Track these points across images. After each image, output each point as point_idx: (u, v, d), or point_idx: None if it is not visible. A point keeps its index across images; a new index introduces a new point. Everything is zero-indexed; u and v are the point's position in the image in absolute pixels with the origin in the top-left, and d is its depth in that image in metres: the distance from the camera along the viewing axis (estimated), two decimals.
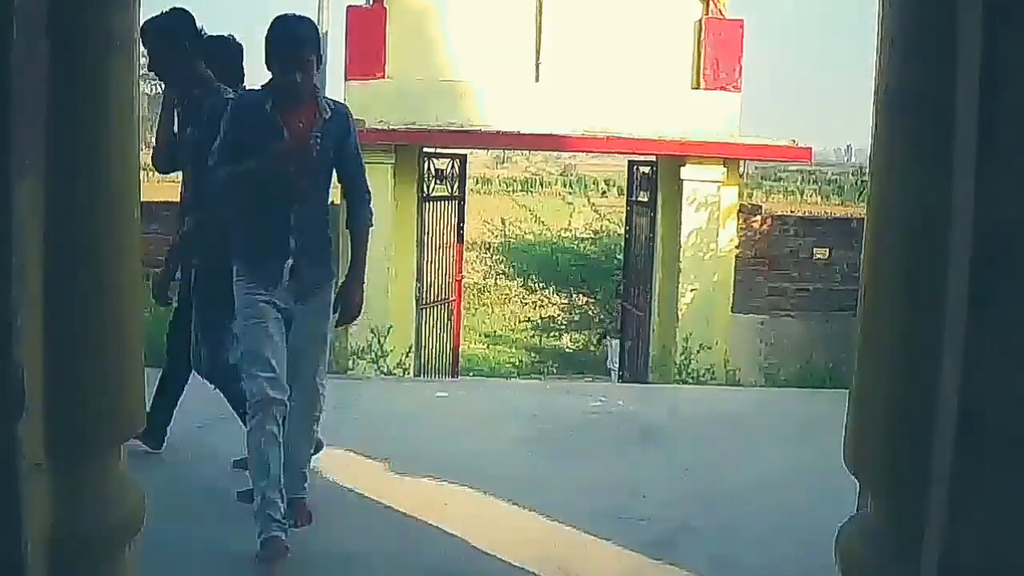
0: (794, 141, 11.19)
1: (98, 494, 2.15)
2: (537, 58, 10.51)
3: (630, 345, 12.00)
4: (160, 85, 5.08)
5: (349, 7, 10.45)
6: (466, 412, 6.80)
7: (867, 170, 2.39)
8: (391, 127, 9.90)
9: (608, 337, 14.29)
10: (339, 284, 4.25)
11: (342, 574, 3.99)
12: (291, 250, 4.03)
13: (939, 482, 1.83)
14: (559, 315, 19.89)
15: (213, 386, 4.75)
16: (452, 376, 11.73)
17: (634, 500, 4.88)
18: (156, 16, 4.64)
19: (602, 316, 17.20)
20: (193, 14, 4.72)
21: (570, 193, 29.82)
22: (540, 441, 6.00)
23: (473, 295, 21.59)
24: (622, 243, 13.33)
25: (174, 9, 4.72)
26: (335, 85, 11.21)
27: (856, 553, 2.18)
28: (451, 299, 11.84)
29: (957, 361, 1.78)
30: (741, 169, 11.17)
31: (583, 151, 16.89)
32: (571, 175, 44.29)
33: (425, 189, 11.07)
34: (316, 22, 4.29)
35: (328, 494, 4.60)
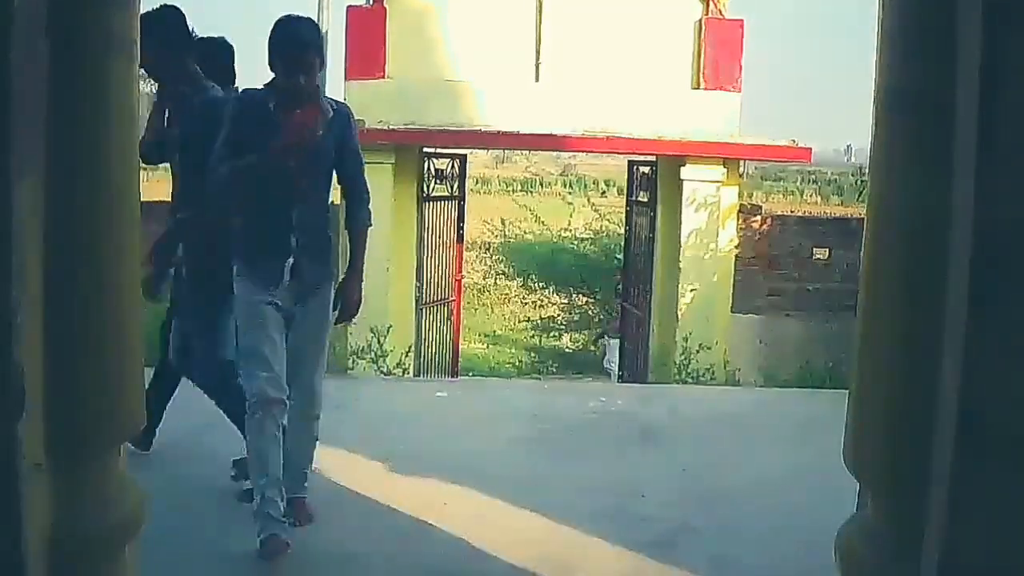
0: (794, 141, 11.19)
1: (98, 494, 2.15)
2: (537, 58, 10.51)
3: (630, 345, 12.01)
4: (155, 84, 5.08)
5: (349, 7, 10.46)
6: (466, 412, 6.80)
7: (867, 170, 2.39)
8: (391, 127, 9.90)
9: (606, 336, 14.28)
10: (338, 282, 4.26)
11: (342, 574, 3.99)
12: (292, 249, 4.03)
13: (939, 482, 1.83)
14: (559, 315, 19.89)
15: (206, 393, 4.73)
16: (452, 376, 11.73)
17: (634, 500, 4.88)
18: (147, 12, 4.63)
19: (602, 316, 17.20)
20: (183, 12, 4.72)
21: (570, 193, 29.81)
22: (540, 441, 5.99)
23: (473, 295, 21.58)
24: (622, 243, 13.33)
25: (164, 6, 4.71)
26: (335, 85, 11.21)
27: (856, 553, 2.18)
28: (451, 299, 11.85)
29: (957, 361, 1.78)
30: (741, 169, 11.17)
31: (583, 151, 16.88)
32: (571, 175, 44.29)
33: (425, 189, 11.07)
34: (317, 22, 4.29)
35: (328, 494, 4.60)
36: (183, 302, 4.67)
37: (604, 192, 31.33)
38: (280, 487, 4.04)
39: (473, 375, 14.40)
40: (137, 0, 2.24)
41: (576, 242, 19.64)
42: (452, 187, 11.53)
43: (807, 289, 10.42)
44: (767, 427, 6.52)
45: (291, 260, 4.03)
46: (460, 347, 12.75)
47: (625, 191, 13.37)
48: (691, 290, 10.31)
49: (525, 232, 20.74)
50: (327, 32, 10.44)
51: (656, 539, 4.34)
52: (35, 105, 1.88)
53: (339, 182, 4.24)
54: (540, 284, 20.29)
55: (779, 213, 11.63)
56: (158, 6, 4.71)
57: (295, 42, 3.92)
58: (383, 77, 10.27)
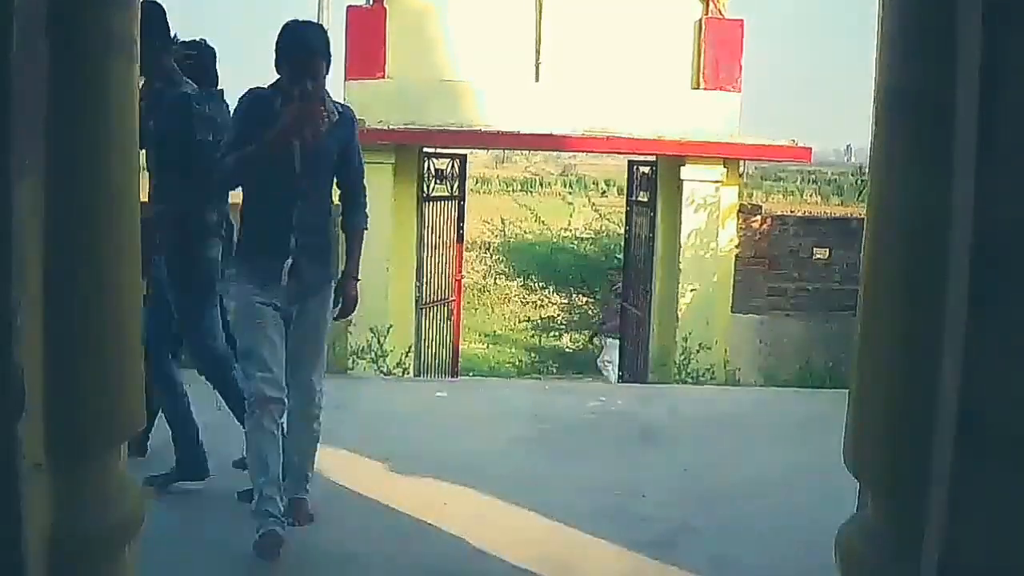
0: (794, 141, 11.18)
1: (98, 494, 2.15)
2: (537, 58, 10.50)
3: (630, 346, 12.00)
4: None
5: (349, 7, 10.45)
6: (466, 412, 6.80)
7: (867, 170, 2.39)
8: (391, 127, 9.89)
9: (601, 336, 14.24)
10: (336, 282, 4.28)
11: (341, 574, 3.99)
12: (291, 249, 4.04)
13: (939, 482, 1.83)
14: (559, 315, 19.89)
15: (208, 380, 4.77)
16: (452, 376, 11.73)
17: (634, 500, 4.88)
18: None
19: (602, 316, 17.21)
20: (165, 9, 4.72)
21: (570, 193, 29.81)
22: (540, 441, 6.00)
23: (473, 295, 21.58)
24: (622, 243, 13.33)
25: (146, 2, 4.72)
26: (335, 85, 11.21)
27: (856, 553, 2.18)
28: (451, 299, 11.84)
29: (957, 361, 1.78)
30: (741, 169, 11.16)
31: (583, 151, 16.88)
32: (571, 175, 44.25)
33: (425, 189, 11.06)
34: (323, 26, 4.32)
35: (328, 494, 4.60)
36: (163, 299, 4.68)
37: (604, 192, 31.31)
38: (279, 486, 4.05)
39: (473, 375, 14.40)
40: (137, 0, 2.24)
41: (576, 242, 19.64)
42: (452, 187, 11.52)
43: (807, 289, 10.41)
44: (767, 427, 6.52)
45: (290, 260, 4.04)
46: (460, 347, 12.74)
47: (625, 191, 13.37)
48: (691, 290, 10.30)
49: (525, 232, 20.74)
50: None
51: (656, 539, 4.34)
52: (35, 105, 1.88)
53: (338, 185, 4.26)
54: (540, 284, 20.29)
55: (779, 213, 11.61)
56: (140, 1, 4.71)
57: (303, 47, 3.94)
58: (383, 77, 10.27)
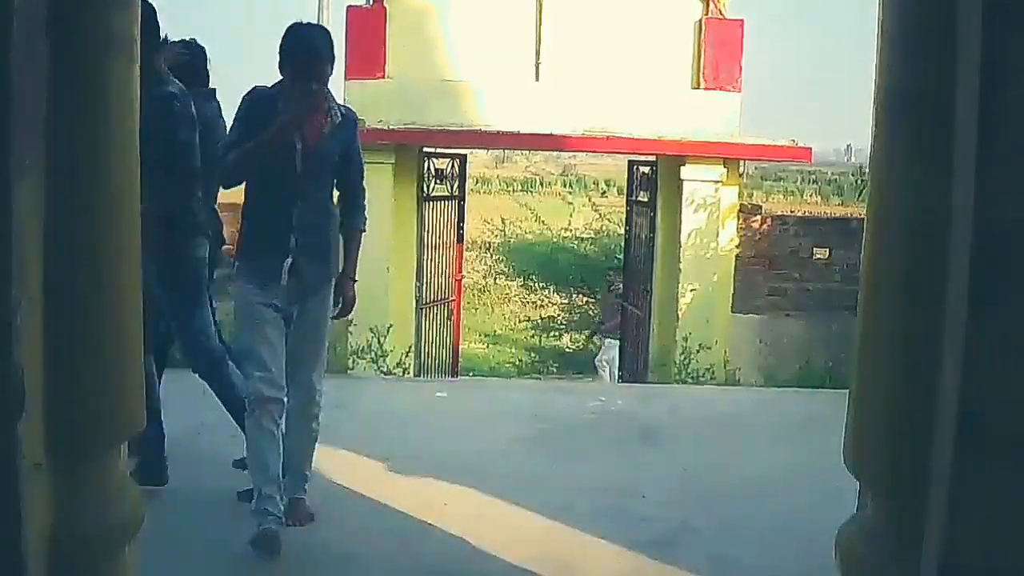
0: (794, 141, 11.17)
1: (98, 494, 2.15)
2: (537, 58, 10.50)
3: (630, 346, 12.00)
4: None
5: (349, 7, 10.45)
6: (466, 412, 6.80)
7: (867, 170, 2.39)
8: (391, 127, 9.89)
9: (599, 336, 14.22)
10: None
11: (341, 574, 3.99)
12: (291, 248, 4.05)
13: (939, 482, 1.83)
14: (559, 315, 19.89)
15: (203, 379, 4.77)
16: (452, 376, 11.73)
17: (634, 500, 4.88)
18: None
19: (600, 316, 17.22)
20: (155, 8, 4.73)
21: (570, 193, 29.82)
22: (540, 441, 6.00)
23: (473, 295, 21.58)
24: (622, 243, 13.32)
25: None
26: (335, 84, 11.21)
27: (856, 553, 2.18)
28: (451, 299, 11.84)
29: (957, 361, 1.78)
30: (741, 169, 11.15)
31: (583, 151, 16.87)
32: (571, 175, 44.26)
33: (425, 189, 11.06)
34: (318, 21, 4.34)
35: (328, 494, 4.60)
36: (145, 297, 4.70)
37: (604, 192, 31.32)
38: (279, 485, 4.06)
39: (473, 375, 14.40)
40: (137, 0, 2.24)
41: (576, 242, 19.64)
42: (452, 187, 11.52)
43: (807, 289, 10.41)
44: (767, 427, 6.52)
45: (290, 260, 4.05)
46: (460, 347, 12.74)
47: (625, 191, 13.37)
48: (691, 290, 10.30)
49: (525, 232, 20.74)
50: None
51: (656, 539, 4.34)
52: (35, 105, 1.88)
53: (338, 186, 4.28)
54: (540, 284, 20.29)
55: (779, 213, 11.61)
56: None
57: (307, 49, 3.96)
58: (383, 77, 10.26)
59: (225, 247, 5.30)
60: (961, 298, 1.77)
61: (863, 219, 2.25)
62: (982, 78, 1.72)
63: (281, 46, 3.97)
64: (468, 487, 4.88)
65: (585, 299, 18.48)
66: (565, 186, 37.34)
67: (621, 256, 13.38)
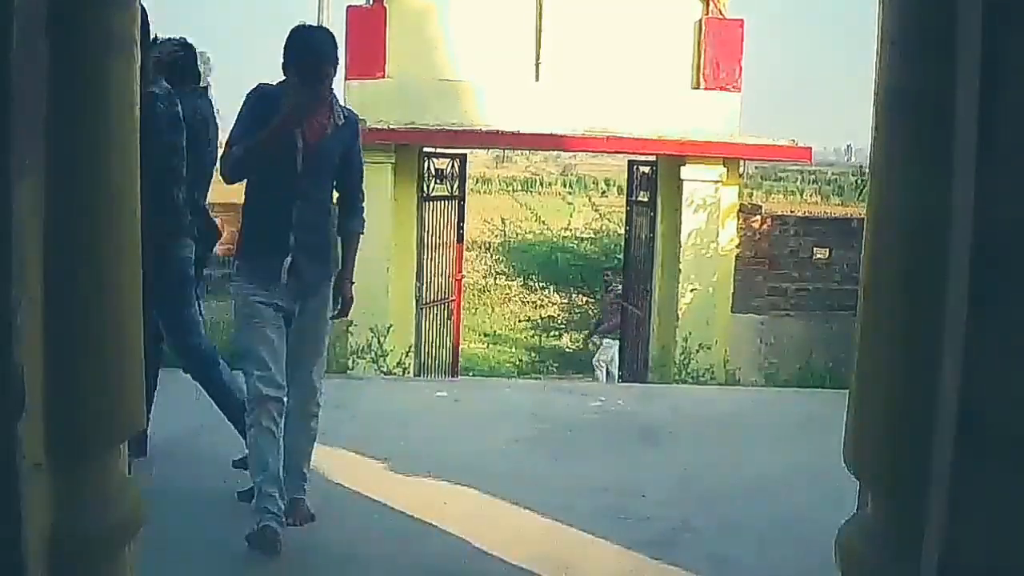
0: (794, 141, 11.18)
1: (98, 494, 2.14)
2: (537, 58, 10.50)
3: (630, 346, 12.00)
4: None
5: (349, 7, 10.45)
6: (466, 412, 6.80)
7: (867, 170, 2.39)
8: (391, 127, 9.89)
9: (597, 335, 14.20)
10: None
11: (341, 574, 3.99)
12: (290, 247, 4.06)
13: (939, 482, 1.83)
14: (559, 315, 19.90)
15: (194, 379, 4.78)
16: (452, 376, 11.73)
17: (634, 500, 4.88)
18: None
19: (600, 316, 17.23)
20: (145, 9, 4.75)
21: (570, 193, 29.86)
22: (540, 441, 6.00)
23: (473, 295, 21.59)
24: (622, 243, 13.33)
25: None
26: (335, 85, 11.20)
27: (856, 553, 2.18)
28: (451, 299, 11.84)
29: (957, 361, 1.78)
30: (741, 169, 11.16)
31: (583, 151, 16.88)
32: (571, 175, 44.28)
33: (425, 189, 11.06)
34: (318, 22, 4.37)
35: (328, 494, 4.60)
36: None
37: (604, 192, 31.35)
38: (279, 483, 4.07)
39: (473, 375, 14.40)
40: (137, 0, 2.24)
41: (576, 242, 19.66)
42: (452, 187, 11.52)
43: (807, 289, 10.41)
44: (767, 427, 6.52)
45: (289, 258, 4.06)
46: (460, 347, 12.75)
47: (625, 191, 13.37)
48: (691, 290, 10.30)
49: (525, 232, 20.76)
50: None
51: (656, 539, 4.34)
52: (35, 105, 1.88)
53: (337, 188, 4.30)
54: (540, 284, 20.31)
55: (779, 213, 11.62)
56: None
57: (311, 51, 4.00)
58: (383, 77, 10.27)
59: (220, 246, 5.32)
60: (961, 298, 1.77)
61: (863, 219, 2.25)
62: (982, 78, 1.72)
63: (285, 48, 4.00)
64: (468, 487, 4.88)
65: (585, 299, 18.49)
66: (565, 186, 37.38)
67: (621, 256, 13.38)
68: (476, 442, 5.83)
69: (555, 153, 30.43)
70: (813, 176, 39.20)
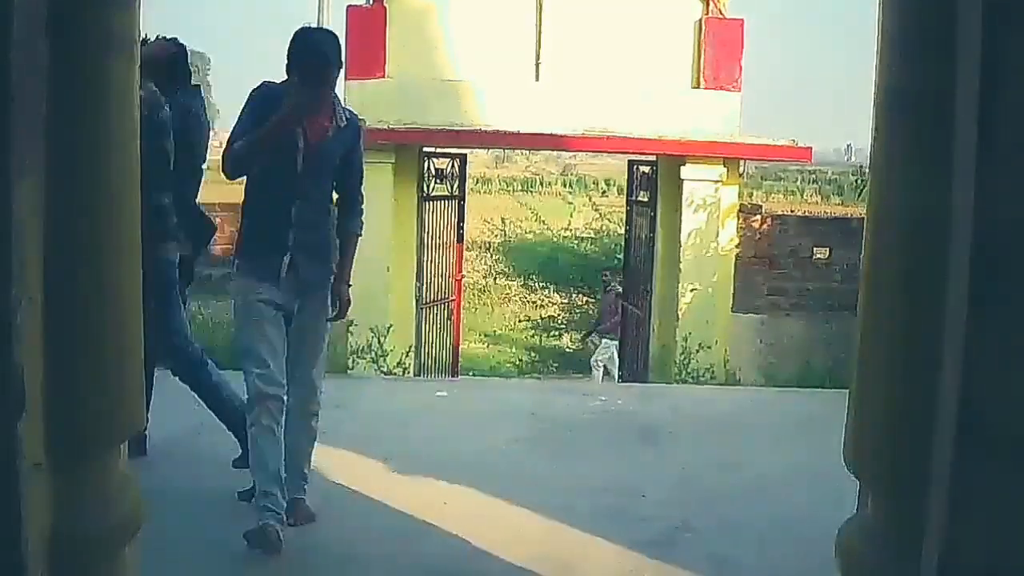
0: (794, 141, 11.18)
1: (98, 494, 2.14)
2: (537, 58, 10.50)
3: (630, 345, 12.00)
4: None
5: (349, 7, 10.45)
6: (466, 412, 6.80)
7: (867, 170, 2.38)
8: (391, 127, 9.89)
9: (596, 335, 14.18)
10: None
11: (341, 574, 3.99)
12: (289, 245, 4.07)
13: (939, 482, 1.83)
14: (559, 315, 19.89)
15: (183, 382, 4.79)
16: (452, 376, 11.73)
17: (634, 500, 4.88)
18: None
19: (598, 316, 17.23)
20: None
21: (570, 193, 29.86)
22: (540, 441, 6.00)
23: (473, 295, 21.59)
24: (622, 243, 13.32)
25: None
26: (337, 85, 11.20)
27: (856, 553, 2.18)
28: (451, 299, 11.84)
29: (957, 361, 1.78)
30: (741, 169, 11.16)
31: (583, 151, 16.87)
32: (571, 175, 44.28)
33: (425, 189, 11.06)
34: (318, 22, 4.39)
35: (328, 494, 4.60)
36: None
37: (604, 192, 31.35)
38: (279, 481, 4.07)
39: (473, 375, 14.40)
40: (137, 0, 2.24)
41: (576, 242, 19.66)
42: (452, 187, 11.52)
43: (807, 289, 10.41)
44: (767, 427, 6.52)
45: (288, 256, 4.08)
46: (460, 347, 12.75)
47: (625, 191, 13.37)
48: (691, 290, 10.30)
49: (525, 232, 20.76)
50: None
51: (656, 539, 4.34)
52: (35, 105, 1.88)
53: (336, 189, 4.30)
54: (540, 284, 20.31)
55: (779, 213, 11.61)
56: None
57: (315, 53, 4.01)
58: (383, 77, 10.27)
59: (220, 246, 5.32)
60: (961, 298, 1.77)
61: (863, 219, 2.25)
62: (982, 78, 1.72)
63: (289, 50, 4.01)
64: (468, 487, 4.88)
65: (585, 299, 18.49)
66: (565, 186, 37.38)
67: (621, 256, 13.38)
68: (476, 442, 5.83)
69: (555, 153, 30.42)
70: (813, 176, 39.18)
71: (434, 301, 11.34)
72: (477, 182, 32.70)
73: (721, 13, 10.56)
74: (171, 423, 5.06)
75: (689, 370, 9.83)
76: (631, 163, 11.94)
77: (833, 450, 2.39)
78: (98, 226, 2.11)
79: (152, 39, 4.93)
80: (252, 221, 4.21)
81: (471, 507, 4.67)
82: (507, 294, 23.01)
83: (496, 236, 21.83)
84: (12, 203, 1.78)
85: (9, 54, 1.75)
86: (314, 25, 4.29)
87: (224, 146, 4.12)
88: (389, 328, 9.78)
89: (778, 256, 10.47)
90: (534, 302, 21.28)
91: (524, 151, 30.71)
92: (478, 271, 22.81)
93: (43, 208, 1.92)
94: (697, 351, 9.93)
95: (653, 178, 11.14)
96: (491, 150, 28.76)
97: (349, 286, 4.35)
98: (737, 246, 10.43)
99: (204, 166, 5.17)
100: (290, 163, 4.04)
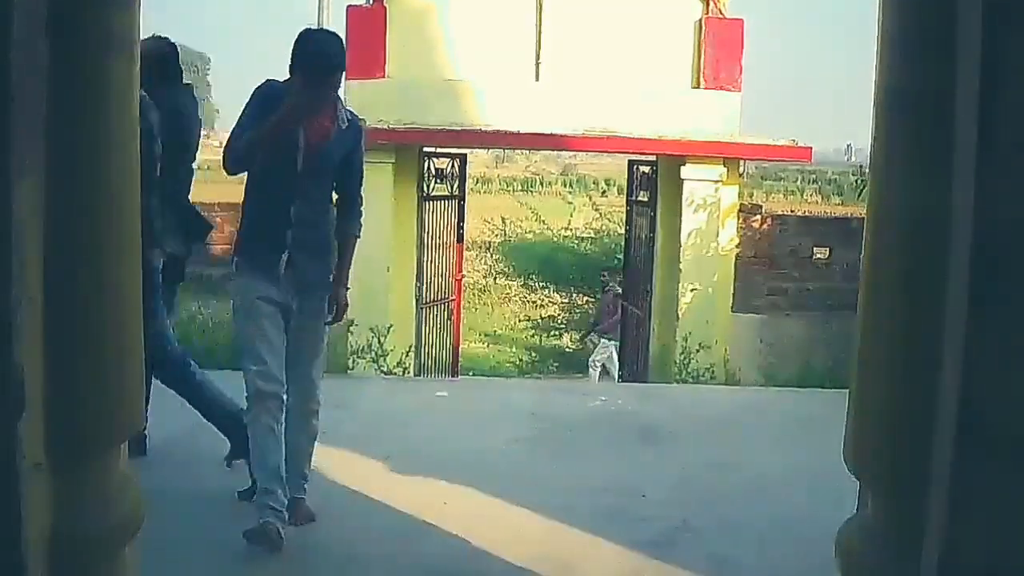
0: (794, 141, 11.18)
1: (98, 494, 2.14)
2: (537, 58, 10.50)
3: (630, 345, 12.00)
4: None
5: (349, 7, 10.45)
6: (466, 412, 6.80)
7: (867, 170, 2.38)
8: (391, 127, 9.89)
9: (593, 334, 14.16)
10: None
11: (341, 574, 3.99)
12: (287, 244, 4.08)
13: (939, 482, 1.83)
14: (559, 314, 19.89)
15: (168, 386, 4.80)
16: (452, 375, 11.73)
17: (634, 500, 4.88)
18: None
19: (597, 316, 17.23)
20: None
21: (570, 192, 29.87)
22: (540, 440, 6.00)
23: (473, 294, 21.60)
24: (622, 242, 13.32)
25: None
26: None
27: (856, 553, 2.18)
28: (451, 298, 11.84)
29: (957, 361, 1.78)
30: (741, 169, 11.16)
31: (583, 151, 16.87)
32: (571, 174, 44.33)
33: (425, 189, 11.06)
34: (318, 22, 4.40)
35: (328, 494, 4.60)
36: None
37: (605, 192, 31.37)
38: (281, 479, 4.08)
39: (473, 375, 14.40)
40: (137, 0, 2.24)
41: (576, 241, 19.66)
42: (452, 187, 11.52)
43: (807, 289, 10.41)
44: (767, 427, 6.52)
45: (286, 254, 4.09)
46: (460, 347, 12.74)
47: (625, 191, 13.37)
48: (691, 290, 10.30)
49: (525, 232, 20.76)
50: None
51: (656, 539, 4.34)
52: (35, 105, 1.88)
53: (336, 190, 4.31)
54: (540, 284, 20.30)
55: (779, 213, 11.61)
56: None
57: (320, 55, 4.02)
58: (383, 77, 10.27)
59: (219, 245, 5.33)
60: (961, 298, 1.77)
61: (863, 219, 2.25)
62: (982, 78, 1.72)
63: (294, 51, 4.02)
64: (468, 487, 4.88)
65: (585, 299, 18.48)
66: (565, 186, 37.42)
67: (621, 256, 13.38)
68: (476, 442, 5.83)
69: (555, 153, 30.43)
70: (813, 176, 39.20)
71: (434, 301, 11.34)
72: (477, 182, 32.72)
73: (721, 13, 10.56)
74: (171, 423, 5.05)
75: (689, 370, 9.83)
76: (631, 163, 11.94)
77: (833, 450, 2.40)
78: (98, 226, 2.11)
79: (143, 38, 4.94)
80: (251, 220, 4.22)
81: (471, 507, 4.67)
82: (507, 294, 23.01)
83: (496, 236, 21.83)
84: (12, 203, 1.78)
85: (9, 54, 1.75)
86: (316, 26, 4.30)
87: (226, 142, 4.13)
88: (389, 328, 9.78)
89: (778, 256, 10.47)
90: (534, 302, 21.28)
91: (524, 151, 30.72)
92: (478, 271, 22.81)
93: (43, 208, 1.93)
94: (697, 351, 9.93)
95: (653, 178, 11.14)
96: (491, 150, 28.76)
97: (347, 289, 4.35)
98: (737, 246, 10.43)
99: (196, 165, 5.18)
100: (290, 163, 4.05)
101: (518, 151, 33.01)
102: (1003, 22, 1.71)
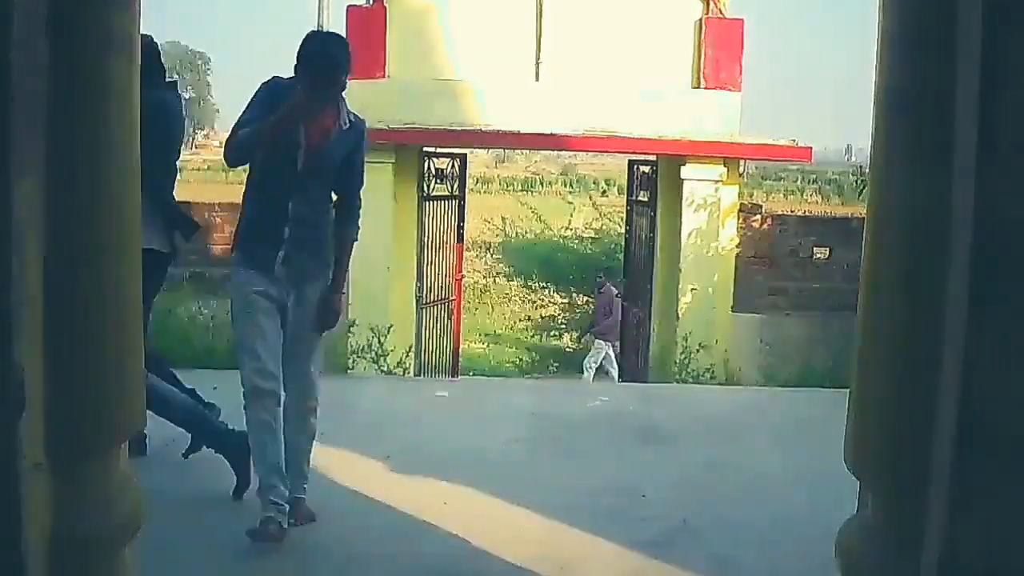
0: (794, 141, 11.19)
1: (98, 494, 2.14)
2: (537, 58, 10.51)
3: (630, 346, 12.01)
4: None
5: (349, 7, 10.46)
6: (466, 411, 6.80)
7: (867, 170, 2.39)
8: (391, 127, 9.90)
9: (589, 335, 14.14)
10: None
11: (341, 574, 3.99)
12: (284, 239, 4.10)
13: (939, 482, 1.83)
14: (559, 314, 19.91)
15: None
16: (452, 375, 11.74)
17: (634, 500, 4.87)
18: None
19: (592, 318, 17.23)
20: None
21: (571, 192, 29.90)
22: (540, 440, 5.99)
23: (473, 294, 21.60)
24: (622, 242, 13.32)
25: None
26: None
27: (856, 553, 2.18)
28: (451, 298, 11.85)
29: (957, 361, 1.78)
30: (741, 169, 11.17)
31: (583, 150, 16.89)
32: (571, 174, 44.35)
33: (425, 189, 11.07)
34: (318, 22, 4.41)
35: (328, 493, 4.60)
36: None
37: (605, 191, 31.39)
38: (281, 473, 4.09)
39: (473, 375, 14.40)
40: (137, 0, 2.24)
41: (577, 241, 19.68)
42: (452, 187, 11.53)
43: (807, 289, 10.42)
44: (767, 427, 6.52)
45: (283, 252, 4.10)
46: (460, 347, 12.75)
47: (625, 190, 13.38)
48: (691, 290, 10.30)
49: (526, 231, 20.78)
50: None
51: (656, 539, 4.34)
52: (35, 105, 1.88)
53: (336, 191, 4.31)
54: (541, 284, 20.32)
55: (779, 212, 11.63)
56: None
57: (325, 56, 4.03)
58: (383, 77, 10.27)
59: (218, 245, 5.32)
60: (961, 298, 1.77)
61: (863, 219, 2.25)
62: (982, 78, 1.72)
63: (299, 52, 4.03)
64: (468, 486, 4.88)
65: (585, 299, 18.50)
66: (565, 185, 37.45)
67: (621, 256, 13.38)
68: (476, 442, 5.83)
69: (555, 153, 30.45)
70: (813, 176, 39.23)
71: (434, 301, 11.35)
72: (477, 182, 32.73)
73: (721, 13, 10.57)
74: (171, 423, 5.05)
75: (689, 370, 9.83)
76: (631, 163, 11.94)
77: (833, 450, 2.39)
78: (98, 226, 2.11)
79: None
80: (250, 217, 4.23)
81: (471, 507, 4.67)
82: (507, 294, 23.03)
83: (496, 236, 21.86)
84: (12, 203, 1.78)
85: (9, 54, 1.75)
86: (318, 27, 4.31)
87: (230, 134, 4.15)
88: (389, 328, 9.78)
89: (778, 256, 10.47)
90: (534, 302, 21.29)
91: (524, 151, 30.73)
92: (478, 271, 22.84)
93: (43, 208, 1.92)
94: (697, 351, 9.93)
95: (653, 178, 11.15)
96: (491, 150, 28.78)
97: (341, 295, 4.36)
98: (737, 246, 10.43)
99: (180, 164, 5.19)
100: (291, 162, 4.06)
101: (518, 151, 33.04)
102: (1003, 22, 1.71)
